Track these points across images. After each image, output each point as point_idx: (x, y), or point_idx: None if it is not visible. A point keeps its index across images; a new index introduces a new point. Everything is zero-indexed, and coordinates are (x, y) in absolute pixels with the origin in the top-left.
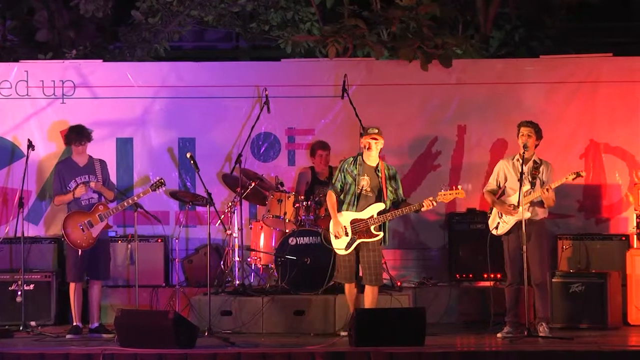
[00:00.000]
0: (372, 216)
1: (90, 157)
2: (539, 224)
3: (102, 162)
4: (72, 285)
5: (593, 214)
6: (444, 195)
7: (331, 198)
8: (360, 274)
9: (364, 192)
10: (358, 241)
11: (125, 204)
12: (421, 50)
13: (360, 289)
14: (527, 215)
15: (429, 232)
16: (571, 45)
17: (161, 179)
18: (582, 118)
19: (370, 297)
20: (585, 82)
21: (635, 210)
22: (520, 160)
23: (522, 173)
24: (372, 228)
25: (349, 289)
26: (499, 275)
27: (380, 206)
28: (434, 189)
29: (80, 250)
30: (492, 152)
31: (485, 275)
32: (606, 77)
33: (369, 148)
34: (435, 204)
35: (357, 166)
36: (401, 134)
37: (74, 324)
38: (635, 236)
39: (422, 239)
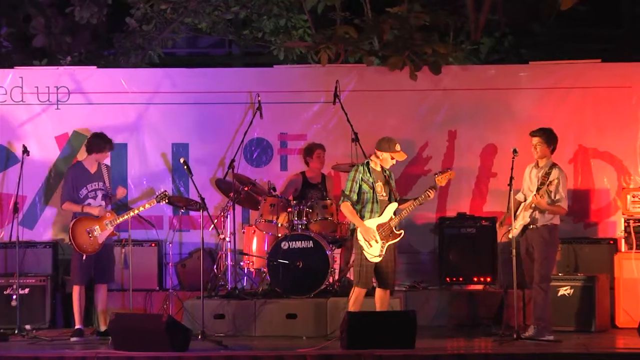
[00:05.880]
0: (391, 217)
1: (98, 163)
2: (540, 230)
3: (108, 167)
4: (75, 289)
5: (582, 218)
6: (440, 179)
7: (348, 207)
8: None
9: (380, 197)
10: (387, 245)
11: (132, 213)
12: (410, 59)
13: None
14: (526, 220)
15: (419, 236)
16: (560, 51)
17: (165, 191)
18: (571, 123)
19: (388, 301)
20: (574, 88)
21: (623, 214)
22: (534, 168)
23: (511, 177)
24: (394, 229)
25: (368, 293)
26: (488, 279)
27: (394, 206)
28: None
29: (84, 255)
30: (482, 157)
31: (475, 279)
32: (595, 83)
33: (383, 161)
34: (436, 190)
35: (371, 174)
36: None
37: (77, 327)
38: (623, 240)
39: (412, 243)
